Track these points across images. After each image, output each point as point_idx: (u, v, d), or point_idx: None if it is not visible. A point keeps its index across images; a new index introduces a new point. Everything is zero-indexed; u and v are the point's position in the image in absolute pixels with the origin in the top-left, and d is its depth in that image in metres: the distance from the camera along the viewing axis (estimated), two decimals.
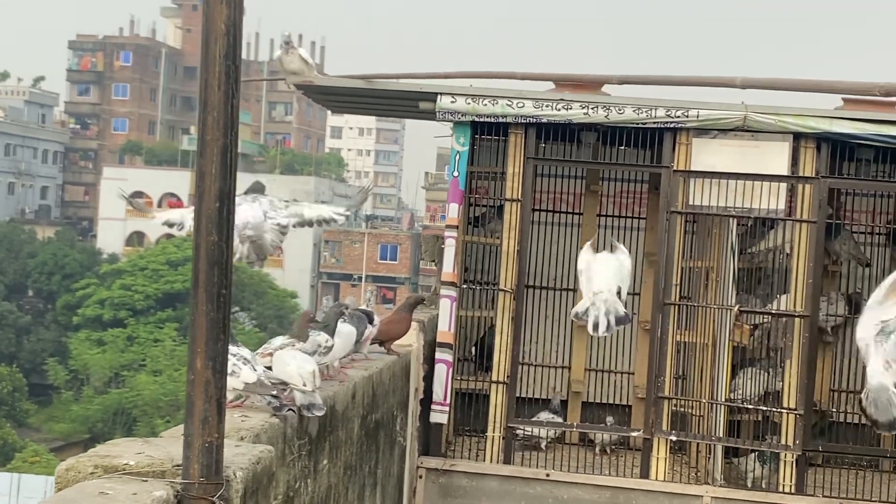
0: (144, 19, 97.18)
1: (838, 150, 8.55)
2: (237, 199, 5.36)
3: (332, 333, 6.19)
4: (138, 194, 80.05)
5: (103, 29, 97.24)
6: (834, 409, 9.56)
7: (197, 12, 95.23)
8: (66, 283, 69.14)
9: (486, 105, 8.54)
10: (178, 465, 3.77)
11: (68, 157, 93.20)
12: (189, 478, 3.69)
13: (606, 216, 9.95)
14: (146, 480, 3.77)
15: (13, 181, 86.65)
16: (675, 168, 8.52)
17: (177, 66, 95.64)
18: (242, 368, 5.07)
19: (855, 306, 9.42)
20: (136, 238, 78.27)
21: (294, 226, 6.41)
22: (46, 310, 69.71)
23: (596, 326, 7.79)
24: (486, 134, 8.85)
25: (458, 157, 8.68)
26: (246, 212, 5.89)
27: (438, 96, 8.58)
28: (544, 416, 8.69)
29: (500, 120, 8.61)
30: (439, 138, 9.51)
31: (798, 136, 8.44)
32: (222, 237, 3.79)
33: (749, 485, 8.63)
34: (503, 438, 8.60)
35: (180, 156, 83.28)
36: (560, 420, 9.10)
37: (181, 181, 78.01)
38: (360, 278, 74.71)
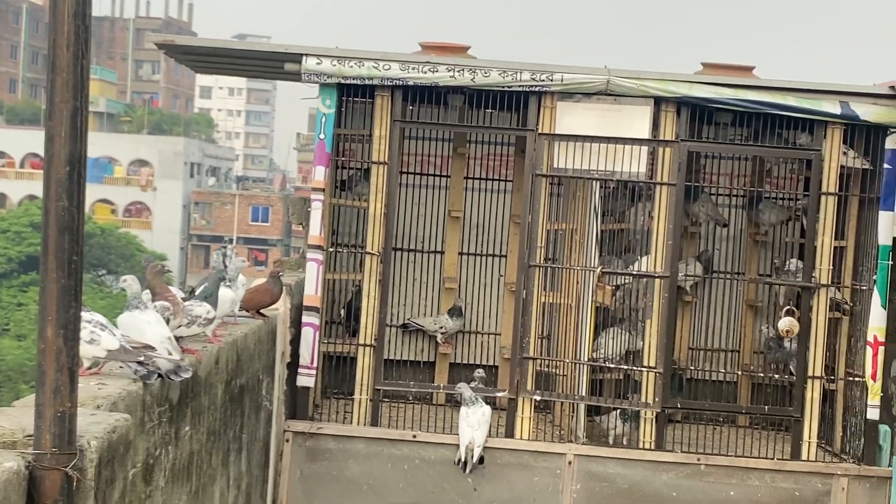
0: None
1: (697, 114, 8.62)
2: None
3: (214, 304, 6.11)
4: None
5: None
6: (692, 367, 9.69)
7: None
8: None
9: (352, 67, 8.39)
10: (29, 436, 3.63)
11: None
12: (41, 448, 3.55)
13: (473, 179, 9.91)
14: None
15: None
16: (540, 131, 8.49)
17: (39, 23, 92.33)
18: (102, 335, 4.87)
19: (708, 266, 9.58)
20: None
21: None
22: None
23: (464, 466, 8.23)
24: (352, 96, 8.68)
25: (324, 120, 8.53)
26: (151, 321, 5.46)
27: (304, 57, 8.39)
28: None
29: (367, 82, 8.48)
30: (307, 100, 9.36)
31: (659, 101, 8.48)
32: (73, 202, 3.64)
33: (611, 442, 8.70)
34: (370, 401, 8.53)
35: (40, 113, 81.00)
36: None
37: (36, 139, 75.74)
38: (231, 240, 73.56)
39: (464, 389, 8.36)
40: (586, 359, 8.66)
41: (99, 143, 67.20)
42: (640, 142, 8.50)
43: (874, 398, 8.61)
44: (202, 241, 74.33)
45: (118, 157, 73.83)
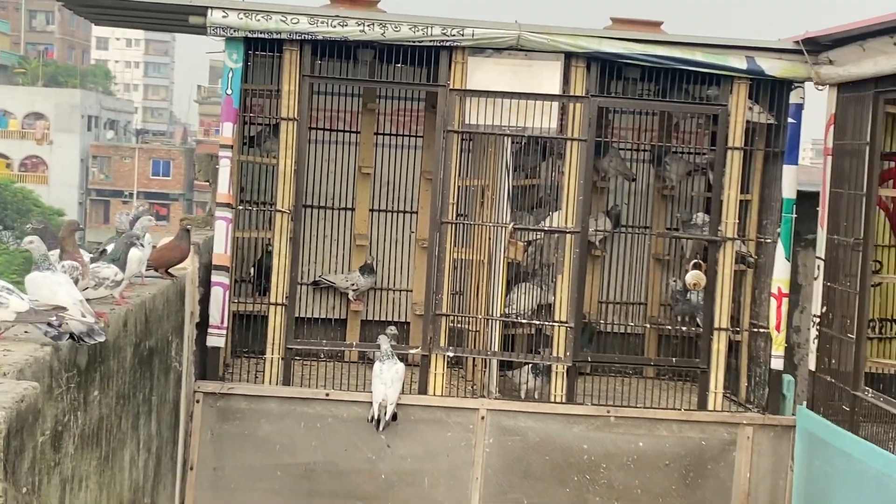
0: None
1: (607, 69, 8.58)
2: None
3: (122, 267, 5.92)
4: None
5: None
6: (601, 321, 9.72)
7: None
8: None
9: (259, 21, 8.18)
10: None
11: None
12: None
13: (383, 134, 9.78)
14: None
15: None
16: (451, 87, 8.38)
17: None
18: (10, 298, 4.70)
19: (617, 220, 9.60)
20: None
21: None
22: None
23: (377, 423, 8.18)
24: (260, 50, 8.46)
25: (231, 75, 8.31)
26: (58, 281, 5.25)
27: (209, 10, 8.15)
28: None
29: (275, 36, 8.28)
30: (211, 54, 9.16)
31: (569, 56, 8.44)
32: None
33: (523, 396, 8.72)
34: (282, 359, 8.42)
35: None
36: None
37: None
38: (131, 195, 72.48)
39: (382, 341, 8.30)
40: (498, 314, 8.65)
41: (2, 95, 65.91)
42: (551, 97, 8.45)
43: (778, 349, 8.75)
44: (101, 196, 72.72)
45: (12, 110, 71.57)
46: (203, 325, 8.30)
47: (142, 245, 6.54)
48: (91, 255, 6.26)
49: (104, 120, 79.19)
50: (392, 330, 8.70)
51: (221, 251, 8.31)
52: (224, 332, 8.36)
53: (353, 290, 9.54)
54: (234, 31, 8.21)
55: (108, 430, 5.74)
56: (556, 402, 8.54)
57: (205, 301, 8.31)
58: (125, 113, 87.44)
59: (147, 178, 72.97)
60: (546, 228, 8.75)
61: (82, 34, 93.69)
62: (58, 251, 5.59)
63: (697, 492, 8.60)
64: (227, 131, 8.36)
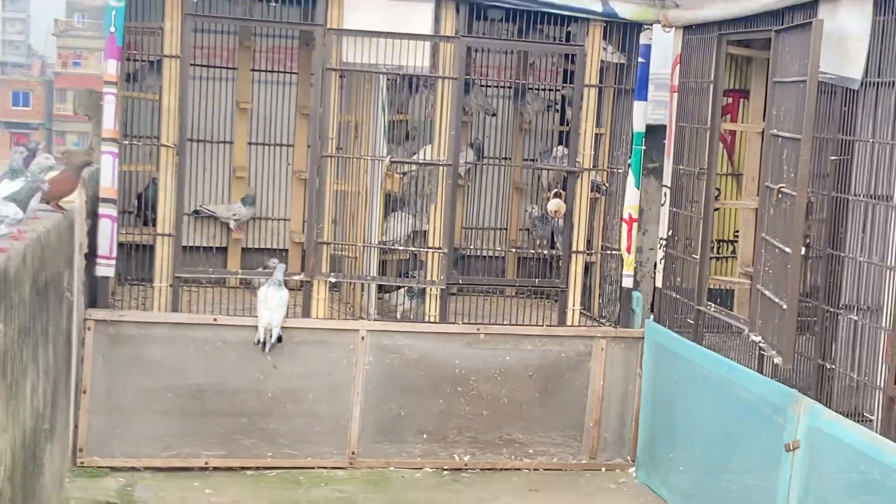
0: None
1: (474, 11, 8.49)
2: None
3: (24, 207, 5.76)
4: None
5: None
6: (468, 246, 9.74)
7: None
8: None
9: None
10: None
11: None
12: None
13: (260, 71, 9.54)
14: None
15: None
16: (328, 26, 8.18)
17: None
18: None
19: (480, 152, 9.58)
20: None
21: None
22: None
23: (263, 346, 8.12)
24: None
25: (114, 13, 7.94)
26: None
27: None
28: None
29: None
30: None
31: None
32: None
33: (399, 317, 8.70)
34: (171, 286, 8.21)
35: None
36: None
37: None
38: None
39: (279, 269, 8.26)
40: (376, 242, 8.59)
41: None
42: (423, 37, 8.33)
43: (629, 269, 8.92)
44: None
45: None
46: (91, 256, 8.03)
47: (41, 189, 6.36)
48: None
49: None
50: (275, 261, 8.60)
51: (109, 184, 8.01)
52: (113, 262, 8.10)
53: (235, 220, 9.37)
54: None
55: (11, 361, 5.52)
56: (430, 322, 8.56)
57: (93, 233, 8.03)
58: None
59: (7, 108, 70.71)
60: (421, 161, 8.68)
61: None
62: None
63: (557, 398, 8.74)
64: (112, 68, 7.99)
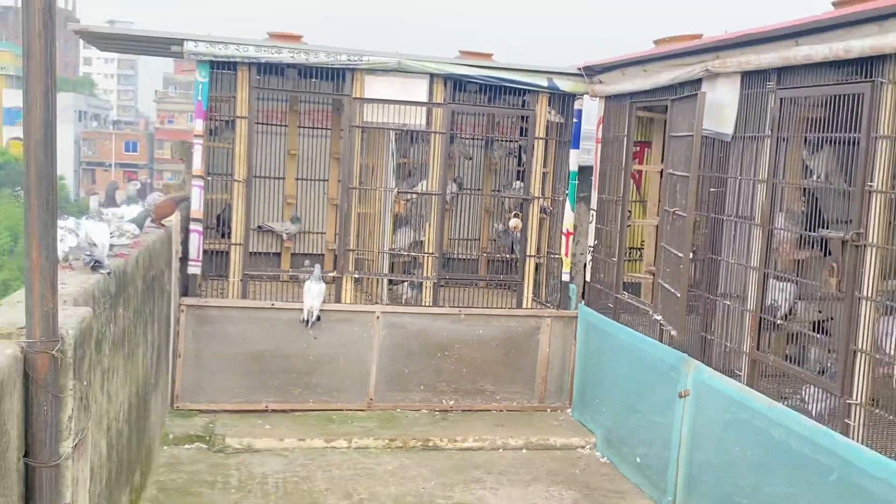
0: None
1: (456, 85, 8.47)
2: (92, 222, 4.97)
3: (140, 226, 5.96)
4: None
5: None
6: (452, 252, 9.71)
7: None
8: None
9: (220, 49, 7.80)
10: (21, 328, 3.26)
11: None
12: (32, 338, 3.18)
13: (304, 127, 9.45)
14: None
15: None
16: (353, 96, 8.14)
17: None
18: (67, 237, 4.74)
19: (460, 186, 9.54)
20: None
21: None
22: None
23: (307, 323, 8.12)
24: (220, 69, 8.04)
25: (201, 87, 7.88)
26: (101, 228, 5.14)
27: (185, 41, 7.73)
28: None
29: (231, 60, 7.89)
30: (172, 73, 8.70)
31: (433, 76, 8.30)
32: (48, 156, 3.16)
33: (403, 302, 8.65)
34: (240, 281, 8.14)
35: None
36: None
37: None
38: (111, 165, 70.07)
39: (317, 269, 8.20)
40: (387, 249, 8.54)
41: (13, 97, 62.38)
42: (420, 104, 8.30)
43: (566, 268, 8.92)
44: (89, 167, 70.97)
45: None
46: (184, 259, 7.97)
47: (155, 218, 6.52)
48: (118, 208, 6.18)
49: (90, 114, 76.34)
50: (315, 265, 8.56)
51: (197, 208, 7.95)
52: (199, 263, 8.02)
53: (286, 233, 9.30)
54: (203, 56, 7.80)
55: (129, 336, 5.52)
56: (425, 306, 8.52)
57: (185, 243, 7.98)
58: (104, 109, 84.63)
59: (121, 153, 70.98)
60: (419, 192, 8.64)
61: (73, 54, 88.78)
62: (105, 208, 5.57)
63: (516, 360, 8.76)
64: (199, 126, 7.95)
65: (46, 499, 3.21)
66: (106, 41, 9.05)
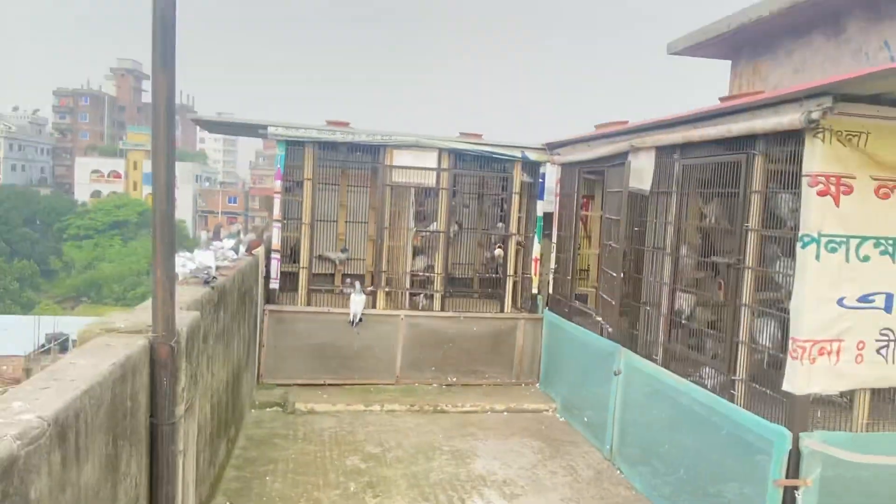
0: (95, 79, 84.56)
1: (458, 156, 8.50)
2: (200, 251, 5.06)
3: (237, 252, 6.04)
4: (96, 171, 72.07)
5: (70, 84, 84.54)
6: (454, 272, 9.69)
7: (125, 77, 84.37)
8: (58, 216, 60.92)
9: (292, 132, 7.89)
10: (149, 326, 3.26)
11: (55, 152, 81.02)
12: (157, 333, 3.18)
13: (351, 185, 9.44)
14: (132, 335, 3.23)
15: (24, 164, 75.08)
16: (385, 164, 8.19)
17: (114, 105, 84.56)
18: (186, 262, 4.82)
19: (460, 226, 9.52)
20: (95, 194, 69.76)
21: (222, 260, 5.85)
22: (49, 230, 61.02)
23: (352, 323, 8.03)
24: (293, 146, 8.10)
25: (280, 158, 7.99)
26: (209, 255, 5.22)
27: (269, 127, 7.84)
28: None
29: (301, 139, 7.97)
30: (261, 150, 8.76)
31: (440, 150, 8.33)
32: (168, 207, 3.19)
33: (420, 308, 8.60)
34: (306, 293, 8.15)
35: (118, 151, 74.64)
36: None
37: (117, 164, 70.83)
38: (218, 213, 70.34)
39: (357, 286, 8.16)
40: (408, 270, 8.53)
41: (149, 166, 63.24)
42: (432, 169, 8.32)
43: (535, 284, 8.87)
44: (203, 214, 71.02)
45: None
46: (267, 278, 7.99)
47: (242, 243, 6.49)
48: (222, 241, 6.17)
49: (203, 177, 76.90)
50: (357, 283, 8.55)
51: (276, 242, 7.99)
52: (277, 281, 8.05)
53: (338, 260, 9.27)
54: (281, 137, 7.89)
55: (227, 331, 5.51)
56: (436, 311, 8.49)
57: (268, 266, 8.00)
58: (214, 173, 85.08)
59: (225, 204, 71.26)
60: (431, 231, 8.65)
61: (192, 135, 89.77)
62: (213, 241, 5.55)
63: (500, 349, 8.68)
64: (278, 185, 8.04)
65: (165, 447, 3.21)
66: (214, 126, 9.16)
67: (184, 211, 67.05)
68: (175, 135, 3.18)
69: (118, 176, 71.15)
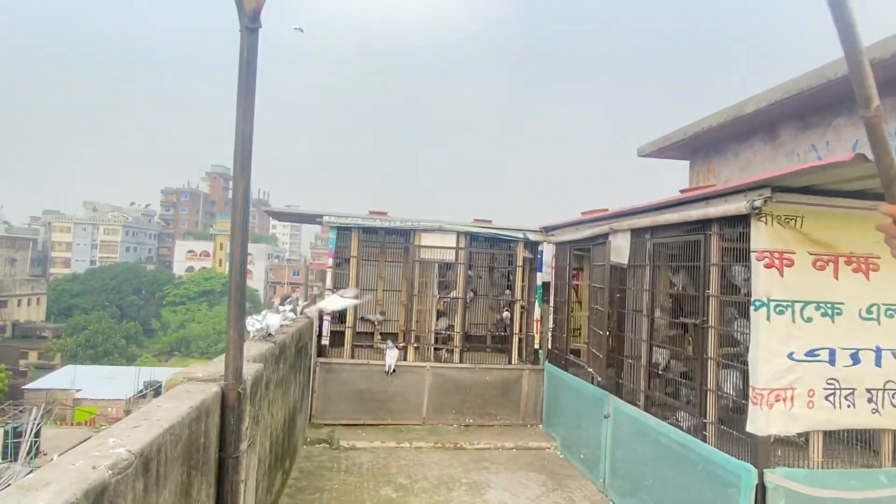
0: (193, 180, 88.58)
1: (472, 237, 8.58)
2: (269, 313, 5.11)
3: (296, 314, 5.85)
4: (191, 251, 73.94)
5: (174, 184, 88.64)
6: (471, 331, 9.56)
7: (217, 179, 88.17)
8: (159, 286, 62.15)
9: (342, 220, 8.08)
10: (222, 375, 3.26)
11: (160, 237, 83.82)
12: (227, 381, 3.17)
13: (387, 261, 9.51)
14: (207, 383, 3.21)
15: (136, 246, 77.61)
16: (415, 244, 8.30)
17: (207, 200, 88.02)
18: (255, 324, 4.74)
19: (475, 293, 9.46)
20: (189, 269, 71.38)
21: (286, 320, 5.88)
22: (151, 297, 62.19)
23: (387, 373, 7.86)
24: (342, 230, 8.28)
25: (332, 241, 8.16)
26: (275, 317, 5.26)
27: (324, 217, 8.04)
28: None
29: (348, 225, 8.15)
30: (319, 233, 8.98)
31: (458, 232, 8.42)
32: (240, 281, 3.25)
33: (443, 361, 8.45)
34: (352, 348, 8.09)
35: (208, 236, 76.94)
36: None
37: (207, 246, 72.85)
38: (284, 284, 71.08)
39: (390, 343, 8.08)
40: (434, 329, 8.46)
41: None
42: (451, 248, 8.39)
43: (537, 341, 8.68)
44: (272, 284, 71.70)
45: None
46: (319, 336, 7.97)
47: (299, 308, 6.45)
48: (285, 306, 6.18)
49: (273, 255, 78.34)
50: (390, 340, 8.47)
51: (328, 307, 8.00)
52: (328, 338, 8.01)
53: (377, 321, 9.19)
54: (333, 223, 8.07)
55: (286, 379, 5.45)
56: (455, 363, 8.32)
57: (320, 326, 7.99)
58: (282, 252, 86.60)
59: (290, 277, 71.99)
60: (451, 297, 8.63)
61: (266, 223, 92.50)
62: (281, 305, 5.56)
63: (509, 395, 8.41)
64: (331, 262, 8.14)
65: (231, 477, 3.14)
66: (282, 217, 9.44)
67: (257, 282, 68.07)
68: (248, 225, 3.29)
69: (207, 255, 72.90)
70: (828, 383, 3.91)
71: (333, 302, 7.15)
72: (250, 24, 3.02)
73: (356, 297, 9.05)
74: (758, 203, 4.04)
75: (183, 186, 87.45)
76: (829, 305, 4.00)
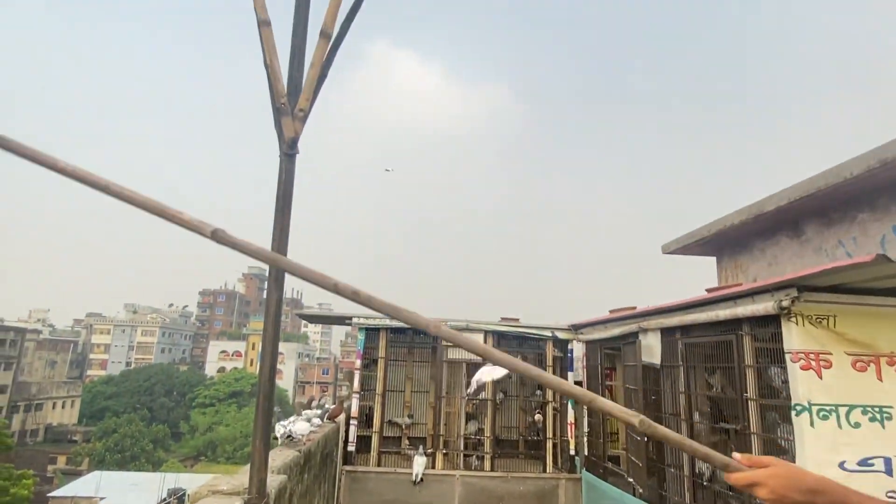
0: (230, 281, 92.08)
1: (500, 335, 8.54)
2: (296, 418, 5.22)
3: (322, 419, 5.83)
4: (223, 351, 74.80)
5: (211, 285, 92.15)
6: (502, 434, 9.18)
7: (252, 280, 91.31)
8: (191, 388, 62.27)
9: (370, 321, 8.21)
10: (246, 488, 3.23)
11: (195, 337, 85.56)
12: (251, 495, 3.15)
13: (415, 361, 9.46)
14: (231, 497, 3.20)
15: (171, 347, 79.15)
16: (443, 344, 8.31)
17: (242, 300, 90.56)
18: (281, 429, 4.84)
19: (505, 394, 9.20)
20: (221, 370, 71.78)
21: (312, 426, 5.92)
22: (182, 399, 62.10)
23: (415, 482, 7.58)
24: (370, 330, 8.39)
25: (360, 342, 8.25)
26: (303, 424, 5.37)
27: (353, 318, 8.22)
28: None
29: (377, 326, 8.27)
30: (349, 330, 9.05)
31: (486, 332, 8.41)
32: (270, 384, 3.36)
33: (473, 468, 8.06)
34: (378, 454, 7.83)
35: (241, 336, 78.19)
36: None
37: (240, 346, 73.48)
38: (313, 383, 70.27)
39: (419, 449, 7.83)
40: (462, 433, 8.17)
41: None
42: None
43: (572, 446, 8.25)
44: (302, 383, 70.90)
45: None
46: (346, 442, 7.77)
47: (325, 412, 6.41)
48: (312, 409, 6.15)
49: (304, 353, 78.30)
50: (419, 447, 8.20)
51: (355, 411, 7.91)
52: (354, 444, 7.80)
53: (405, 424, 8.95)
54: (362, 324, 8.21)
55: (310, 490, 5.30)
56: (486, 471, 7.93)
57: (347, 431, 7.83)
58: (313, 350, 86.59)
59: (320, 375, 71.15)
60: (481, 399, 8.42)
61: (298, 323, 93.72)
62: (306, 410, 5.57)
63: None
64: (358, 363, 8.17)
65: None
66: (313, 319, 9.68)
67: (287, 381, 67.57)
68: (279, 331, 3.47)
69: (239, 355, 73.47)
70: (888, 496, 3.57)
71: (487, 373, 7.17)
72: (288, 150, 3.41)
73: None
74: (785, 303, 4.01)
75: (220, 288, 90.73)
76: (876, 409, 3.78)
